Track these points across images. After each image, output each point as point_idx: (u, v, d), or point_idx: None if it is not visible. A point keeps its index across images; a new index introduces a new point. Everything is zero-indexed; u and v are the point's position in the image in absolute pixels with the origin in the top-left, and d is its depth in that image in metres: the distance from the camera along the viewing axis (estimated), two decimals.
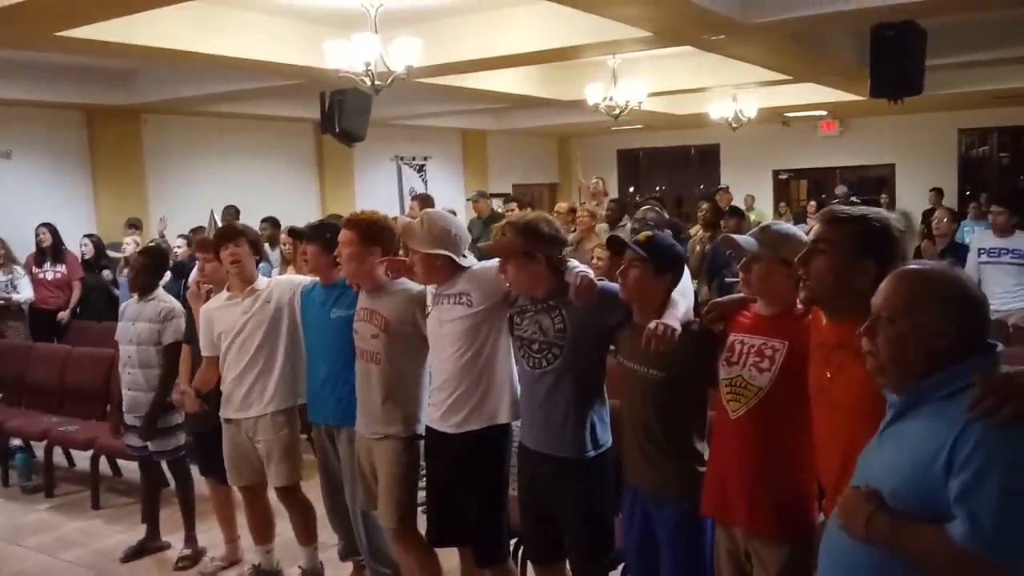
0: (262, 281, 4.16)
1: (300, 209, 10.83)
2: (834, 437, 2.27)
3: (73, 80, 8.83)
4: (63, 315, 8.35)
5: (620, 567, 3.30)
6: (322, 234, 3.87)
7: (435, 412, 3.39)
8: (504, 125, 14.41)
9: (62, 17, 5.36)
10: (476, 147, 15.21)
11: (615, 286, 3.01)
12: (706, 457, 2.86)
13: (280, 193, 11.26)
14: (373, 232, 3.57)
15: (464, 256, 3.36)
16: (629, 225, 8.35)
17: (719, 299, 2.93)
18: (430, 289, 3.44)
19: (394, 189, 13.51)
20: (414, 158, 13.93)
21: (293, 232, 4.24)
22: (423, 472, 3.76)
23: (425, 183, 13.87)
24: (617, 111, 9.41)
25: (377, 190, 12.92)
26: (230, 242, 4.09)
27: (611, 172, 15.83)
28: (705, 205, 8.83)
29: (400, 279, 3.61)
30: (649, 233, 3.02)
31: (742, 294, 2.79)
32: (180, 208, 9.89)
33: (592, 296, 3.00)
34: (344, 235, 3.59)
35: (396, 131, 12.83)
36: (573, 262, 3.16)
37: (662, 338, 2.67)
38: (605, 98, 9.31)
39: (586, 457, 3.06)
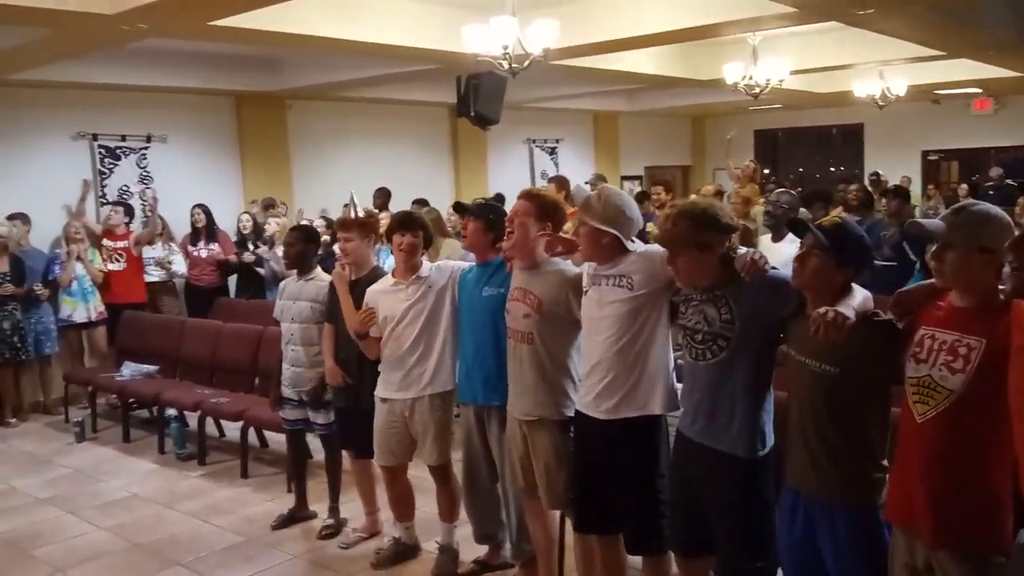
0: (425, 267, 4.22)
1: (435, 191, 11.01)
2: None
3: (223, 68, 9.20)
4: (248, 256, 8.75)
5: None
6: (486, 213, 3.92)
7: (586, 396, 3.33)
8: (637, 106, 14.21)
9: (216, 7, 5.59)
10: (608, 129, 15.06)
11: (786, 274, 2.81)
12: (884, 462, 2.64)
13: (416, 175, 11.45)
14: (548, 208, 3.58)
15: (632, 240, 3.27)
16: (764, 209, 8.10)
17: (906, 288, 2.67)
18: (587, 269, 3.37)
19: (526, 171, 13.58)
20: (546, 140, 13.95)
21: (459, 207, 4.30)
22: None
23: (556, 165, 13.88)
24: (756, 90, 9.14)
25: (509, 173, 12.99)
26: (408, 231, 4.17)
27: (748, 153, 15.38)
28: (854, 187, 8.48)
29: (556, 259, 3.58)
30: (838, 219, 2.78)
31: (931, 280, 2.52)
32: (321, 190, 10.20)
33: (761, 273, 2.84)
34: (521, 204, 3.59)
35: (528, 114, 12.84)
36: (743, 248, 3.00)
37: (831, 324, 2.47)
38: (744, 77, 9.06)
39: (747, 456, 2.89)
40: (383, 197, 9.68)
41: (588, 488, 3.39)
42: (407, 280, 4.18)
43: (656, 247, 3.14)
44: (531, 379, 3.54)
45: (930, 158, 15.56)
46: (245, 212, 9.23)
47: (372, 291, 4.31)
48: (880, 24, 7.63)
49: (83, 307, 8.14)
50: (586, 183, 10.32)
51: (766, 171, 16.51)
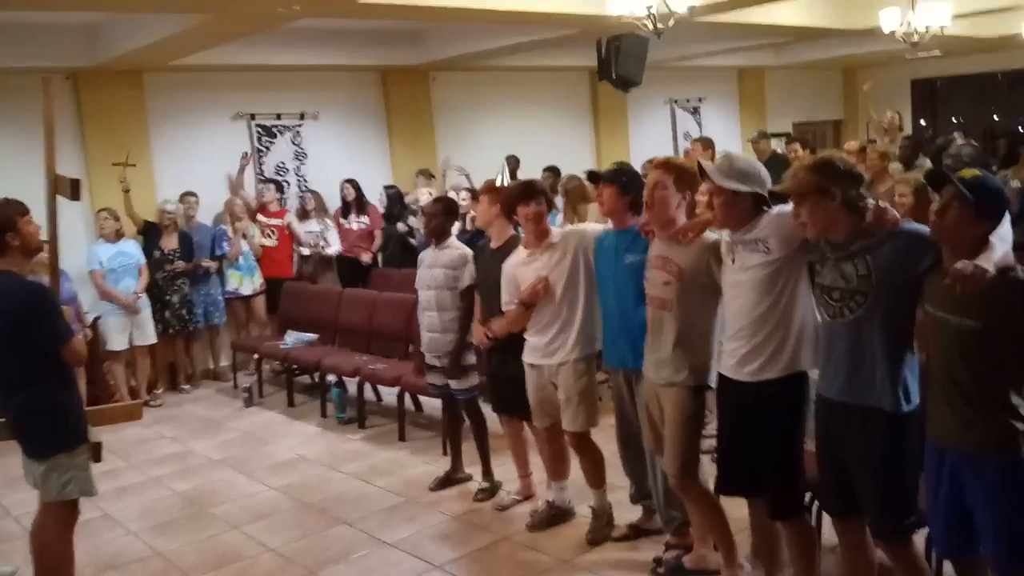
0: (556, 234, 4.25)
1: (576, 156, 10.99)
2: None
3: (370, 44, 9.42)
4: (366, 257, 9.16)
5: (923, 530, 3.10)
6: (619, 177, 3.93)
7: (729, 360, 3.34)
8: (784, 60, 13.69)
9: None
10: (753, 85, 14.56)
11: (924, 228, 2.82)
12: None
13: (556, 141, 11.45)
14: (685, 177, 3.59)
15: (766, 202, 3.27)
16: (928, 165, 7.70)
17: None
18: (725, 236, 3.39)
19: (667, 133, 13.34)
20: (688, 100, 13.65)
21: (592, 175, 4.32)
22: (707, 421, 3.74)
23: (700, 125, 13.58)
24: (915, 38, 8.64)
25: (651, 135, 12.81)
26: (531, 200, 4.20)
27: (904, 104, 14.57)
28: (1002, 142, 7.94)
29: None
30: (976, 172, 2.75)
31: None
32: (464, 160, 10.33)
33: (894, 222, 2.86)
34: (657, 175, 3.61)
35: (670, 73, 12.57)
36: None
37: (970, 278, 2.51)
38: (902, 24, 8.58)
39: (892, 410, 2.89)
40: (512, 165, 9.75)
41: (732, 451, 3.41)
42: (539, 249, 4.23)
43: (788, 207, 3.13)
44: (670, 346, 3.57)
45: None
46: (385, 186, 9.46)
47: (508, 265, 4.38)
48: None
49: (248, 281, 8.63)
50: (748, 140, 10.13)
51: (921, 122, 15.64)
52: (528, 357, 4.35)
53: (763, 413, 3.25)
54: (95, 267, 7.64)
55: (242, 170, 9.02)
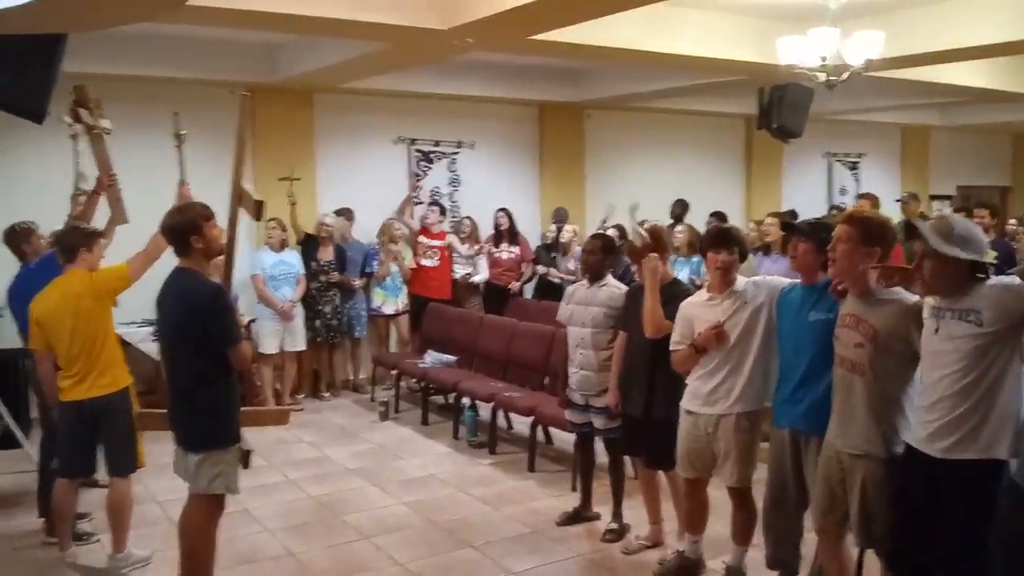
0: (740, 282, 4.14)
1: (726, 204, 10.85)
2: None
3: (530, 79, 9.65)
4: (515, 285, 9.36)
5: None
6: (818, 233, 3.74)
7: (920, 431, 3.10)
8: (951, 121, 13.18)
9: (538, 23, 5.86)
10: (917, 144, 14.06)
11: None
12: None
13: (707, 187, 11.36)
14: (875, 232, 3.37)
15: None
16: None
17: None
18: (929, 300, 3.15)
19: (823, 187, 13.04)
20: (847, 155, 13.31)
21: (787, 226, 4.19)
22: None
23: (858, 181, 13.21)
24: None
25: (805, 187, 12.56)
26: (722, 248, 4.12)
27: None
28: None
29: (895, 287, 3.36)
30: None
31: None
32: (611, 198, 10.31)
33: None
34: (842, 230, 3.40)
35: (829, 127, 12.29)
36: None
37: None
38: None
39: None
40: (680, 208, 9.72)
41: (906, 530, 3.16)
42: (722, 294, 4.13)
43: (1014, 279, 2.89)
44: (861, 412, 3.35)
45: None
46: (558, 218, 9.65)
47: (687, 304, 4.28)
48: None
49: (391, 301, 8.92)
50: (896, 200, 9.78)
51: None
52: (687, 403, 4.23)
53: (950, 495, 2.98)
54: (257, 272, 8.04)
55: (410, 198, 9.36)
